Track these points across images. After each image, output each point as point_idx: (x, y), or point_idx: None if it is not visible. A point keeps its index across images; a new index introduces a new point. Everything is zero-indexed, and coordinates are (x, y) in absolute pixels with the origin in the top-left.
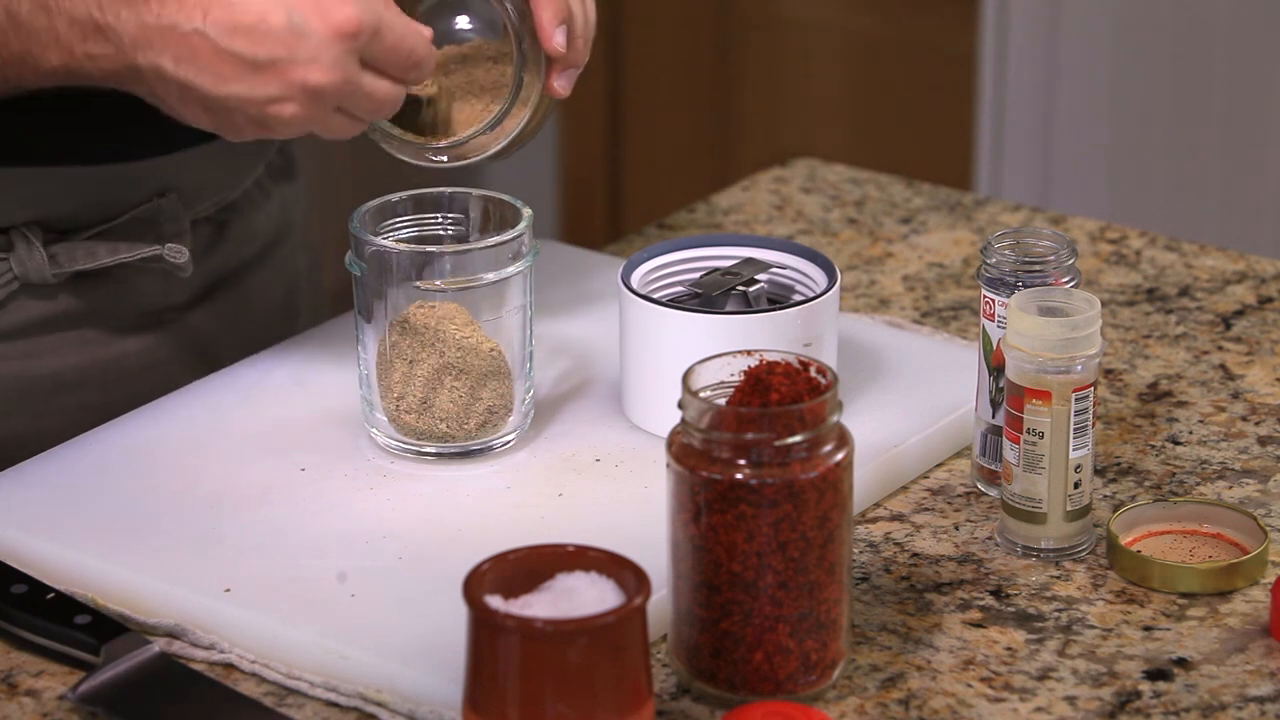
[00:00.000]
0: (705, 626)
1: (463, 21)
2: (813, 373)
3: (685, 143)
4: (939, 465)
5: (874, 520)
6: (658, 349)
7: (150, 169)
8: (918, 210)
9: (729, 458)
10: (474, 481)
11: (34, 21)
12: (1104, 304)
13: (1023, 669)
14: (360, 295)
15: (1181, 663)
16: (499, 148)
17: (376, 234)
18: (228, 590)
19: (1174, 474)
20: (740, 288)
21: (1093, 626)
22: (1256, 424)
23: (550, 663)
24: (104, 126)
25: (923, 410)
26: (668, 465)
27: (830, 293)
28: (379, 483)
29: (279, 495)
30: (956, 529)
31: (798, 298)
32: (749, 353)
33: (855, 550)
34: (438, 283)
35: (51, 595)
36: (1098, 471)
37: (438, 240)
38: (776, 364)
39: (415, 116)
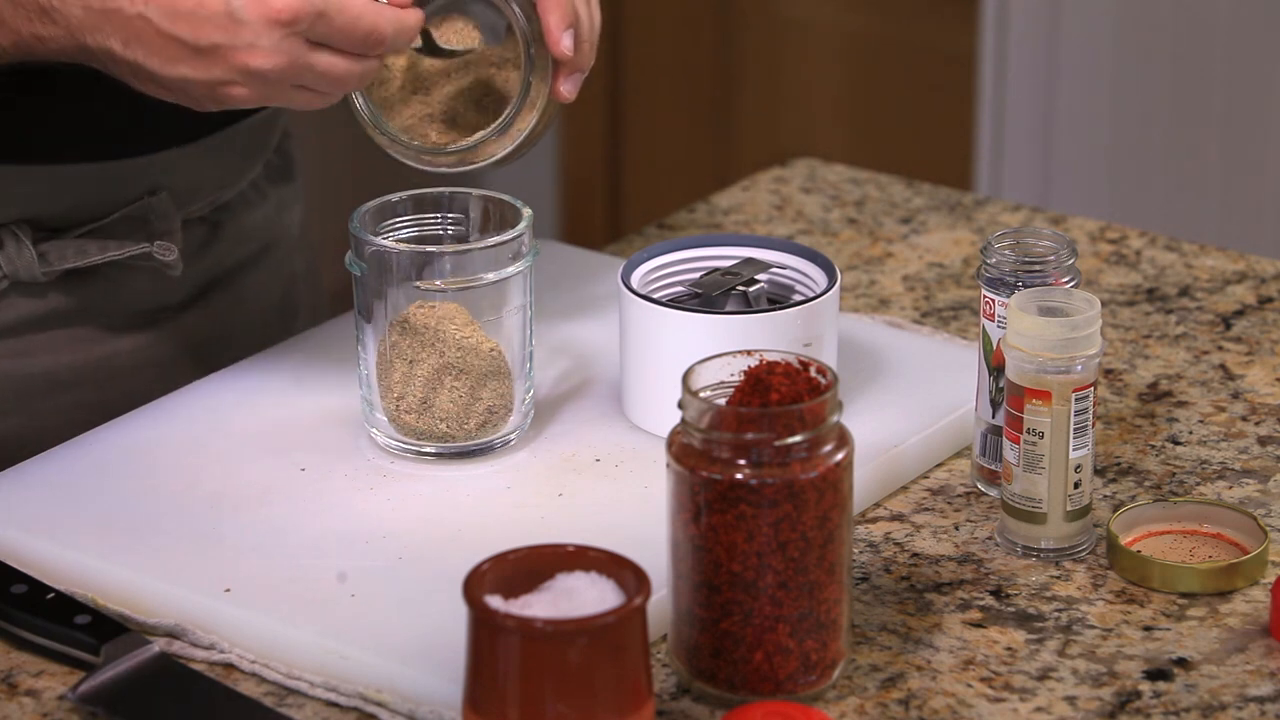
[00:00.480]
0: (705, 626)
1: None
2: (813, 373)
3: (685, 143)
4: (939, 465)
5: (874, 520)
6: (658, 349)
7: (140, 167)
8: (918, 210)
9: (729, 458)
10: (474, 481)
11: None
12: (1104, 304)
13: (1023, 669)
14: (360, 295)
15: (1181, 663)
16: (505, 153)
17: (376, 234)
18: (228, 590)
19: (1174, 474)
20: (740, 288)
21: (1093, 626)
22: (1256, 424)
23: (550, 663)
24: (94, 125)
25: (923, 410)
26: (668, 465)
27: (830, 293)
28: (379, 483)
29: (279, 495)
30: (956, 529)
31: (798, 298)
32: (749, 353)
33: (855, 550)
34: (438, 283)
35: (51, 595)
36: (1098, 471)
37: (438, 240)
38: (776, 364)
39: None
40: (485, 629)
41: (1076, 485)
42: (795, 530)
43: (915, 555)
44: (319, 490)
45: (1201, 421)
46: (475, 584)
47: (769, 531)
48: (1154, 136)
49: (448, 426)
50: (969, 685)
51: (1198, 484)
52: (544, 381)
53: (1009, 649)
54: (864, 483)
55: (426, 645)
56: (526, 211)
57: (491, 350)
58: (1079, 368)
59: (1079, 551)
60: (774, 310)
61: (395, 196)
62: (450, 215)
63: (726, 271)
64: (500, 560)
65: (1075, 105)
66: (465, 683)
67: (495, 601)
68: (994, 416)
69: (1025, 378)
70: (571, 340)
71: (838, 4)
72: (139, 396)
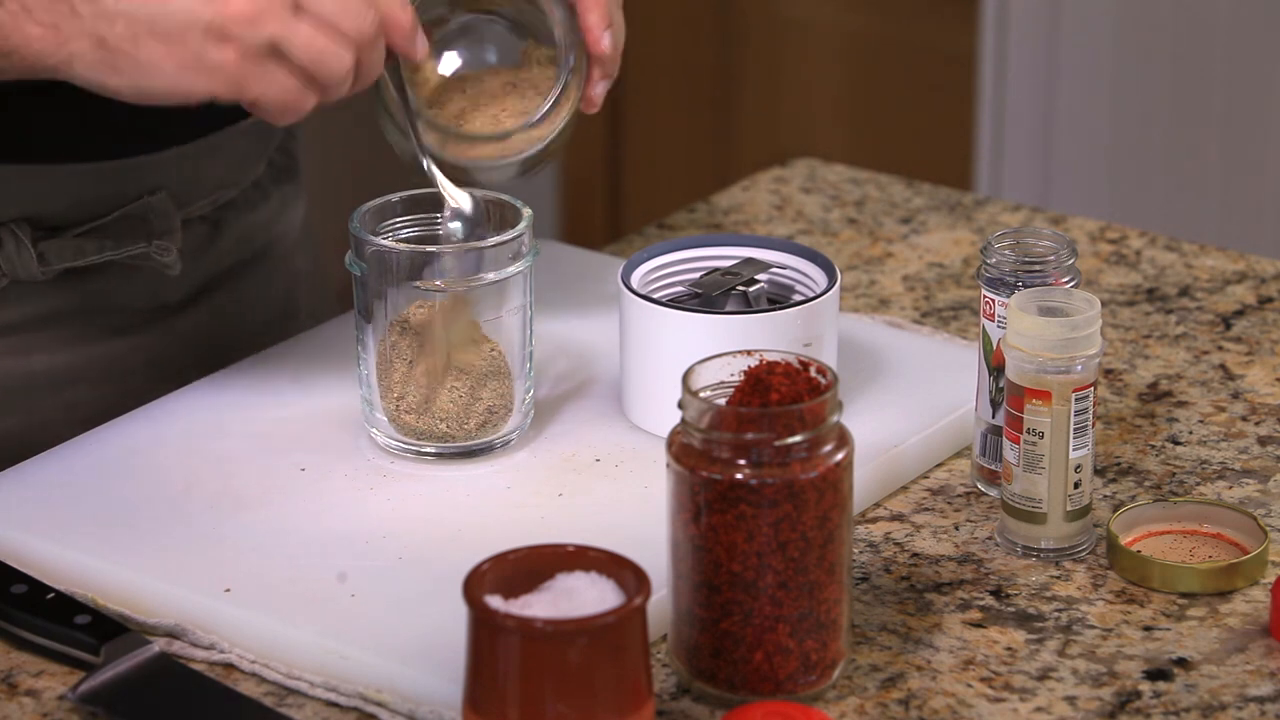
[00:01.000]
0: (705, 626)
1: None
2: (813, 373)
3: (685, 143)
4: (939, 465)
5: (874, 520)
6: (658, 349)
7: (140, 167)
8: (918, 210)
9: (729, 458)
10: (474, 481)
11: None
12: (1104, 304)
13: (1023, 669)
14: (360, 295)
15: (1181, 663)
16: (532, 152)
17: (376, 234)
18: (228, 590)
19: (1174, 474)
20: (740, 288)
21: (1093, 626)
22: (1256, 424)
23: (550, 663)
24: (93, 124)
25: (923, 410)
26: (668, 465)
27: (830, 293)
28: (379, 483)
29: (279, 495)
30: (956, 529)
31: (798, 298)
32: (749, 353)
33: (855, 550)
34: (438, 283)
35: (51, 595)
36: (1098, 471)
37: (438, 240)
38: (776, 364)
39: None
40: (485, 629)
41: (1076, 485)
42: (795, 530)
43: (915, 555)
44: (319, 490)
45: (1201, 421)
46: (475, 584)
47: (769, 531)
48: (1154, 136)
49: (448, 426)
50: (969, 685)
51: (1198, 484)
52: (544, 381)
53: (1009, 649)
54: (864, 483)
55: (426, 645)
56: (526, 211)
57: (491, 350)
58: (1079, 368)
59: (1079, 551)
60: (774, 310)
61: (395, 196)
62: None
63: (726, 271)
64: (500, 560)
65: (1075, 105)
66: (465, 683)
67: (495, 601)
68: (994, 416)
69: (1025, 378)
70: (571, 340)
71: (838, 4)
72: (138, 396)
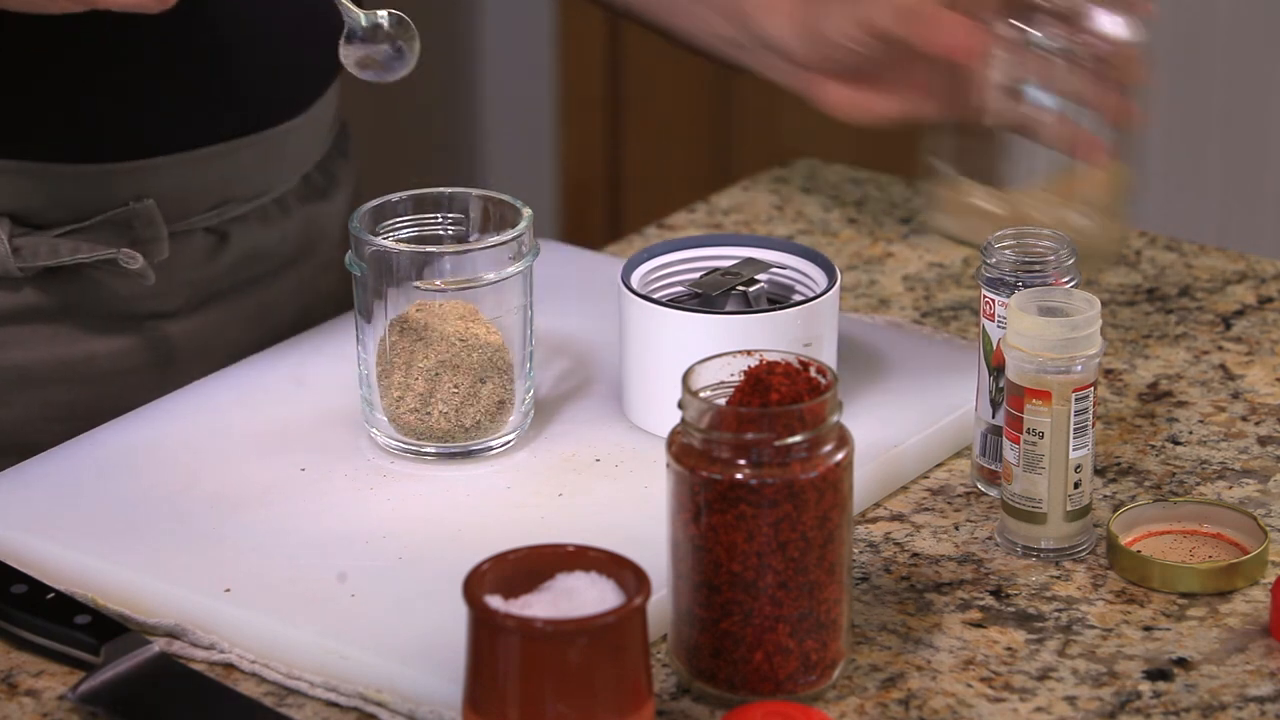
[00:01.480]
0: (705, 626)
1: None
2: (813, 373)
3: (685, 143)
4: (939, 465)
5: (874, 520)
6: (658, 349)
7: (126, 172)
8: (918, 210)
9: (729, 458)
10: (474, 481)
11: None
12: (1104, 304)
13: (1023, 669)
14: (360, 295)
15: (1181, 663)
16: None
17: (376, 234)
18: (228, 590)
19: (1174, 474)
20: (740, 288)
21: (1093, 626)
22: (1256, 424)
23: (550, 663)
24: (81, 125)
25: (923, 410)
26: (668, 465)
27: (830, 293)
28: (379, 483)
29: (279, 495)
30: (956, 529)
31: (798, 298)
32: (749, 353)
33: (855, 550)
34: (438, 283)
35: (51, 595)
36: (1098, 471)
37: (438, 240)
38: (776, 364)
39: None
40: (485, 629)
41: (1076, 485)
42: (795, 530)
43: (915, 555)
44: (319, 490)
45: (1201, 421)
46: (475, 584)
47: (769, 531)
48: (1154, 136)
49: (447, 426)
50: (969, 685)
51: (1198, 484)
52: (544, 381)
53: (1009, 649)
54: (864, 483)
55: (426, 645)
56: (526, 211)
57: (492, 350)
58: (1079, 368)
59: (1079, 551)
60: (774, 310)
61: (395, 196)
62: (450, 215)
63: (726, 271)
64: (500, 560)
65: None
66: (465, 683)
67: (495, 601)
68: (994, 416)
69: (1025, 378)
70: (571, 340)
71: None
72: (115, 401)
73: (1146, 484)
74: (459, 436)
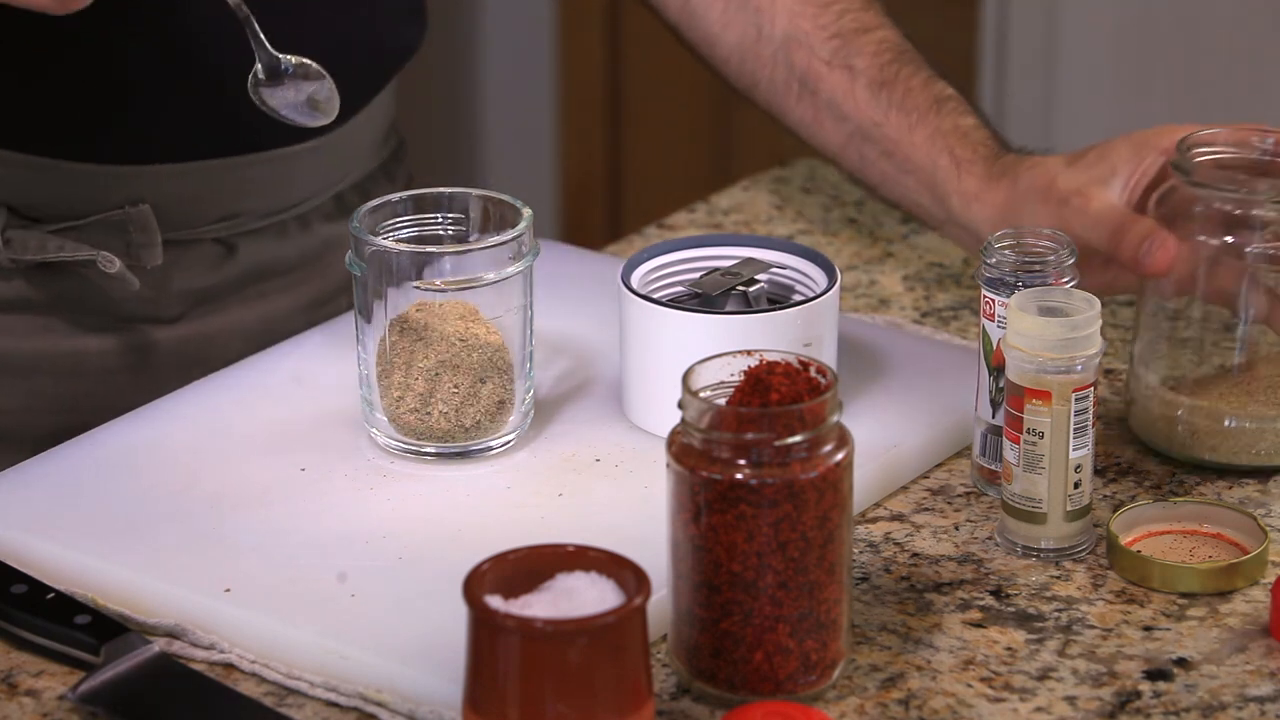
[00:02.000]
0: (705, 626)
1: None
2: (813, 373)
3: (685, 143)
4: (939, 465)
5: (874, 520)
6: (658, 349)
7: (127, 175)
8: None
9: (729, 458)
10: (474, 481)
11: None
12: (1104, 304)
13: (1023, 669)
14: (360, 295)
15: (1181, 663)
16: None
17: (376, 234)
18: (228, 590)
19: (1174, 474)
20: (740, 288)
21: (1093, 626)
22: None
23: (550, 663)
24: (83, 123)
25: (923, 410)
26: (668, 465)
27: (830, 293)
28: (379, 483)
29: (279, 495)
30: (956, 529)
31: (798, 298)
32: (749, 353)
33: (855, 550)
34: (438, 283)
35: (51, 595)
36: (1098, 471)
37: (438, 240)
38: (776, 364)
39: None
40: (485, 629)
41: (1076, 485)
42: (795, 530)
43: (915, 555)
44: (319, 490)
45: None
46: (475, 584)
47: (769, 531)
48: None
49: (447, 426)
50: (969, 685)
51: (1198, 484)
52: (544, 381)
53: (1009, 649)
54: (864, 483)
55: (426, 645)
56: (526, 211)
57: (492, 350)
58: (1079, 368)
59: (1079, 551)
60: (774, 310)
61: (395, 196)
62: (450, 215)
63: (726, 271)
64: (500, 560)
65: (1075, 105)
66: (465, 683)
67: (495, 601)
68: (994, 416)
69: (1025, 378)
70: (571, 340)
71: None
72: (101, 399)
73: (1146, 484)
74: (459, 436)
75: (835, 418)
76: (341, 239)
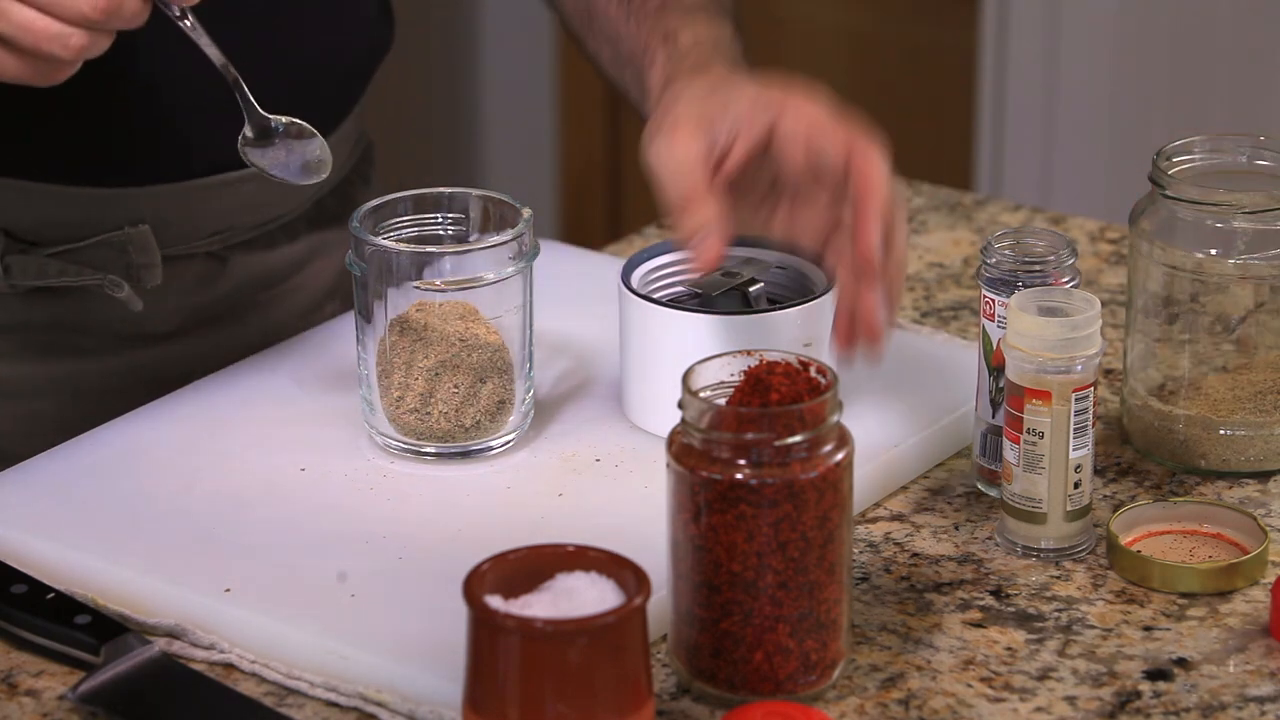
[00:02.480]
0: (705, 626)
1: None
2: (813, 373)
3: None
4: (939, 465)
5: (874, 520)
6: (658, 349)
7: (121, 198)
8: (918, 210)
9: (729, 458)
10: (474, 481)
11: None
12: (1104, 304)
13: (1023, 669)
14: (360, 295)
15: (1181, 663)
16: None
17: (376, 234)
18: (228, 590)
19: (1174, 474)
20: (740, 288)
21: (1093, 626)
22: None
23: (550, 663)
24: (79, 148)
25: (923, 410)
26: (668, 465)
27: (830, 293)
28: (379, 483)
29: (279, 495)
30: (956, 529)
31: (797, 298)
32: (749, 353)
33: (855, 550)
34: (438, 283)
35: (51, 595)
36: (1098, 471)
37: (438, 240)
38: (776, 364)
39: None
40: (485, 629)
41: (1076, 485)
42: (795, 530)
43: (915, 555)
44: (319, 490)
45: None
46: (475, 584)
47: (769, 531)
48: (1154, 136)
49: (448, 426)
50: (969, 685)
51: (1198, 484)
52: (544, 381)
53: (1009, 649)
54: (864, 483)
55: (426, 645)
56: (526, 211)
57: (492, 350)
58: (1079, 368)
59: (1079, 551)
60: (774, 310)
61: (395, 196)
62: (450, 215)
63: (726, 271)
64: (500, 560)
65: (1075, 105)
66: (465, 683)
67: (495, 601)
68: (994, 416)
69: (1025, 378)
70: (571, 340)
71: (838, 4)
72: (103, 420)
73: (1146, 484)
74: (459, 436)
75: (835, 418)
76: (325, 245)
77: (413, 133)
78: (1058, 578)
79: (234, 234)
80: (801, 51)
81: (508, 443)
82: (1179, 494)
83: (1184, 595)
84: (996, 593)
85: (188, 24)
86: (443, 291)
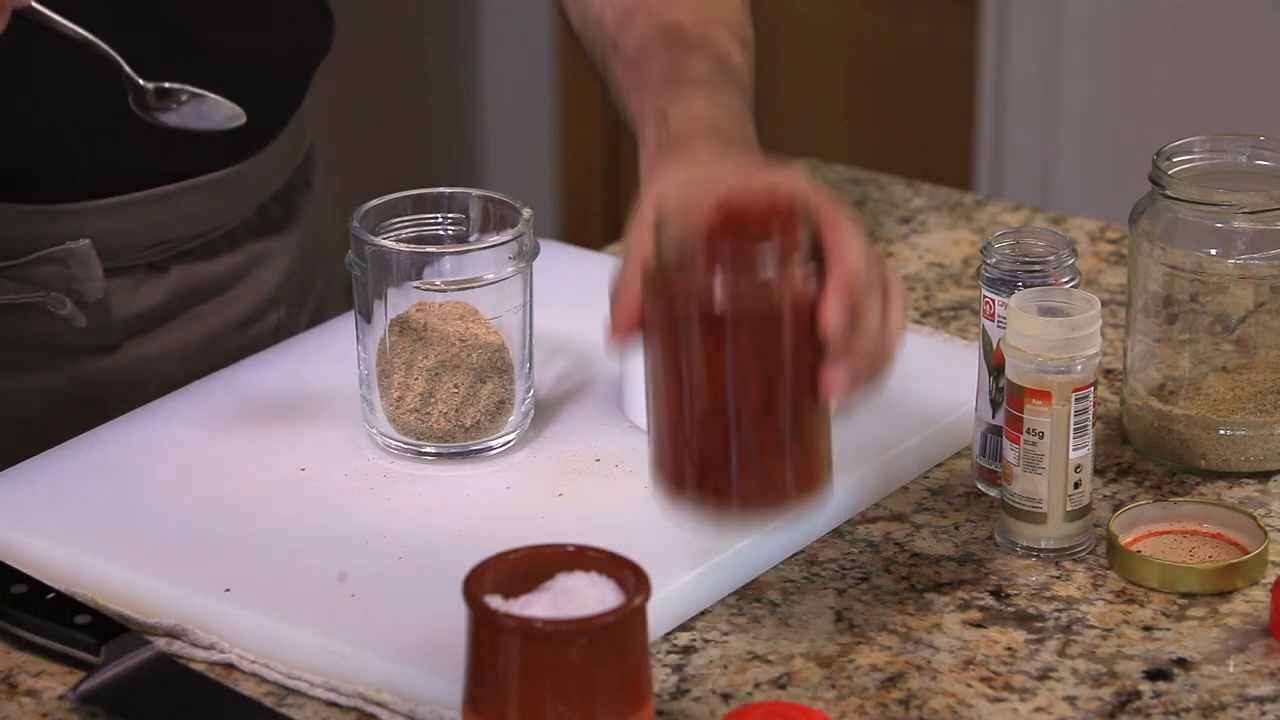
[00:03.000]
0: (690, 453)
1: None
2: (784, 204)
3: None
4: (939, 465)
5: (874, 520)
6: None
7: (63, 213)
8: (918, 210)
9: (706, 289)
10: (474, 481)
11: None
12: (1104, 304)
13: (1023, 669)
14: (360, 295)
15: (1181, 663)
16: None
17: (376, 234)
18: (228, 590)
19: (1174, 474)
20: None
21: (1093, 626)
22: None
23: (550, 663)
24: (16, 166)
25: (923, 410)
26: (644, 300)
27: None
28: (379, 483)
29: (279, 495)
30: (956, 529)
31: None
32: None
33: (855, 550)
34: (438, 283)
35: (51, 595)
36: (1098, 471)
37: (438, 240)
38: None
39: None
40: (485, 629)
41: (1076, 485)
42: (777, 356)
43: (915, 555)
44: (319, 490)
45: None
46: (475, 584)
47: (750, 358)
48: (1154, 136)
49: (448, 426)
50: (969, 685)
51: (1198, 484)
52: (544, 381)
53: (1009, 649)
54: (864, 483)
55: (426, 645)
56: (526, 211)
57: (492, 350)
58: (1079, 368)
59: (1079, 551)
60: None
61: (395, 196)
62: (450, 215)
63: None
64: (500, 560)
65: (1075, 105)
66: (465, 683)
67: (495, 601)
68: (994, 416)
69: (1025, 378)
70: (571, 340)
71: (838, 4)
72: (48, 433)
73: (1146, 484)
74: (459, 436)
75: (808, 244)
76: (268, 252)
77: (414, 133)
78: (1058, 578)
79: (175, 244)
80: (801, 51)
81: (508, 443)
82: (1179, 494)
83: (1184, 595)
84: (996, 593)
85: (37, 6)
86: (443, 291)
